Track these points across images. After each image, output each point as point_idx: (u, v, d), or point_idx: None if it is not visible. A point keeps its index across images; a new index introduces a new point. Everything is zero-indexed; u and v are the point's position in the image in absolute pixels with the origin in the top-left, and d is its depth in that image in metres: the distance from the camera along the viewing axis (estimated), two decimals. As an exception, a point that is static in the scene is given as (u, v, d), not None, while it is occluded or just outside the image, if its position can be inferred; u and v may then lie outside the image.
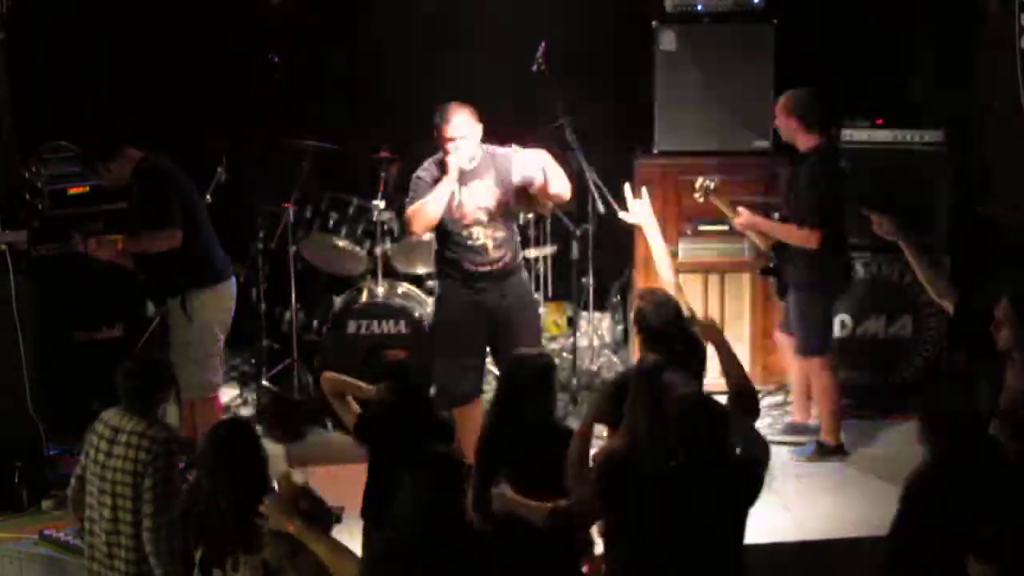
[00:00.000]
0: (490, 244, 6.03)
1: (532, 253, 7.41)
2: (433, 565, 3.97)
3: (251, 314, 7.25)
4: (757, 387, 6.76)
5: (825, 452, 6.57)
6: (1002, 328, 4.79)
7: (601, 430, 4.74)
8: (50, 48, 7.42)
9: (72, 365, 6.70)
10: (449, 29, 7.75)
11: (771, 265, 6.56)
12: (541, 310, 7.26)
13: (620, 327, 8.05)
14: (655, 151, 7.23)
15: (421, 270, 7.36)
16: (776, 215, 6.53)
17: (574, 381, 7.26)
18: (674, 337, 4.86)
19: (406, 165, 7.17)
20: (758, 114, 7.08)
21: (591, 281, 7.46)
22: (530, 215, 7.25)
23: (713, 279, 7.24)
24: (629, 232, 6.69)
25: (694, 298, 6.62)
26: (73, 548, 5.57)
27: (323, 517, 4.17)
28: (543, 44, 6.85)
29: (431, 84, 7.24)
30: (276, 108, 7.43)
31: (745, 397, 4.70)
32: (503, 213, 6.07)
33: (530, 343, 5.84)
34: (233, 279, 6.37)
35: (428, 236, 6.35)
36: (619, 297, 8.06)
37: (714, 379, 4.98)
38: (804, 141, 6.39)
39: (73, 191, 6.79)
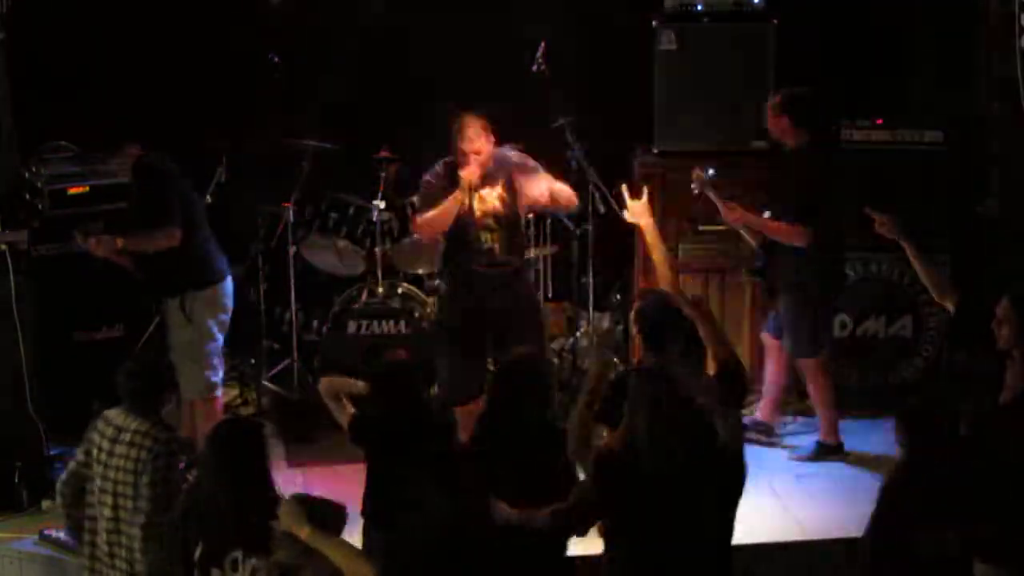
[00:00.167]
0: (498, 248, 6.06)
1: (532, 253, 7.41)
2: (435, 565, 3.96)
3: (251, 314, 7.25)
4: (757, 387, 6.82)
5: (825, 452, 6.57)
6: (1002, 327, 4.81)
7: (601, 430, 4.74)
8: (50, 48, 7.41)
9: (72, 365, 6.69)
10: (449, 29, 7.75)
11: (758, 265, 6.55)
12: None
13: (620, 327, 8.05)
14: (655, 151, 7.22)
15: (421, 270, 7.36)
16: (767, 213, 6.53)
17: (574, 381, 7.25)
18: (674, 337, 4.86)
19: (406, 165, 7.19)
20: (758, 114, 7.07)
21: (591, 281, 7.46)
22: (530, 215, 7.25)
23: (713, 279, 7.23)
24: (629, 232, 6.69)
25: (694, 298, 6.62)
26: (72, 548, 5.56)
27: (334, 520, 4.11)
28: (543, 44, 6.85)
29: (431, 84, 7.24)
30: (276, 108, 7.43)
31: (731, 371, 4.62)
32: (512, 218, 6.10)
33: (534, 345, 5.84)
34: (231, 279, 6.37)
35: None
36: (619, 297, 8.05)
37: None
38: (792, 139, 6.38)
39: (73, 191, 6.77)
